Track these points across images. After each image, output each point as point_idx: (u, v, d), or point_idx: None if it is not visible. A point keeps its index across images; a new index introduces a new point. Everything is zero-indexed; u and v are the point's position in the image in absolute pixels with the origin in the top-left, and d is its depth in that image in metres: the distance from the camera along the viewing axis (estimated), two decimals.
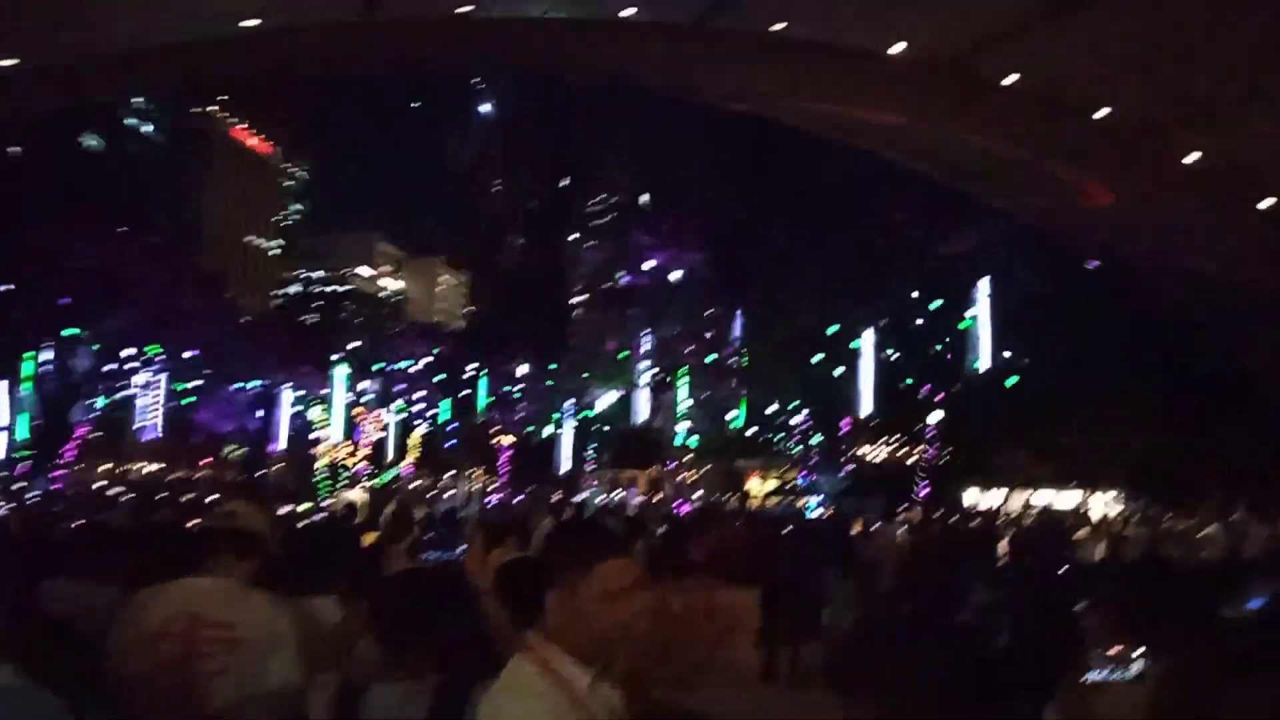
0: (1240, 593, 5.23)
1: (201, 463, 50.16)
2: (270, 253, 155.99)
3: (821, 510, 31.26)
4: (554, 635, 2.44)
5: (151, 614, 3.45)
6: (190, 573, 3.58)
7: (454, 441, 45.80)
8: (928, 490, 31.80)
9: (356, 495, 26.02)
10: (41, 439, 32.71)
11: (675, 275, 36.58)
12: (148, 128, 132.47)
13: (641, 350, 35.91)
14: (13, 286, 30.93)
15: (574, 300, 52.56)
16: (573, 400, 41.82)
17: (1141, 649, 2.64)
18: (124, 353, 35.03)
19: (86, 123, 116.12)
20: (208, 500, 14.56)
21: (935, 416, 32.04)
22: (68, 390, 33.81)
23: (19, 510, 13.52)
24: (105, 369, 34.76)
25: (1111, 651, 2.67)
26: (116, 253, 33.48)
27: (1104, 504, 32.86)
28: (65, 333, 33.40)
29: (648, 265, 36.92)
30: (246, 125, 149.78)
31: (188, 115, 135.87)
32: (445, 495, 42.74)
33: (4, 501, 16.60)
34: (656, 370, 35.98)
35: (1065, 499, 35.19)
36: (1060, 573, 6.10)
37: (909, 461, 36.21)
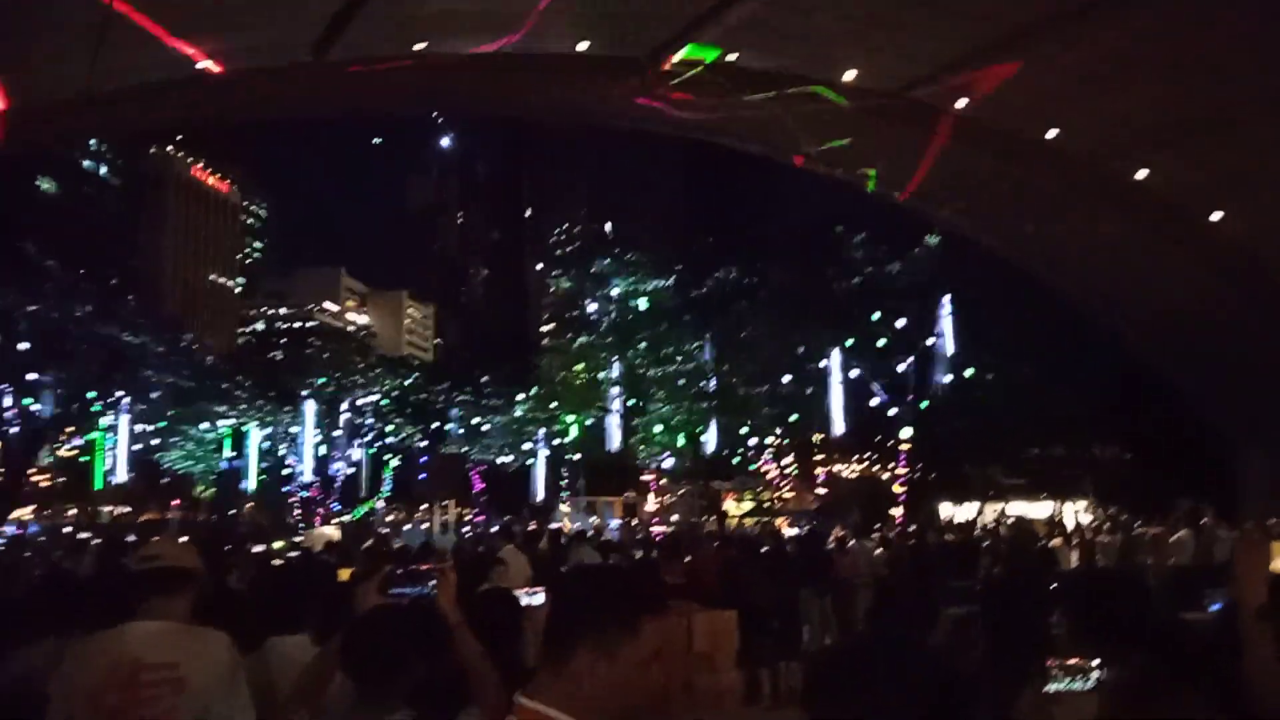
0: (1205, 596, 5.36)
1: (172, 504, 49.45)
2: (233, 291, 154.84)
3: (797, 530, 31.34)
4: (573, 702, 2.04)
5: (94, 664, 3.42)
6: (128, 618, 3.55)
7: (425, 475, 45.50)
8: (902, 506, 31.99)
9: (330, 531, 25.72)
10: (4, 485, 32.20)
11: (640, 302, 36.72)
12: (104, 170, 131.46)
13: (611, 377, 35.94)
14: None
15: (541, 329, 52.57)
16: (544, 429, 41.73)
17: (1097, 658, 2.69)
18: (88, 396, 34.59)
19: (42, 167, 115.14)
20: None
21: (906, 433, 32.29)
22: (30, 436, 33.32)
23: None
24: (69, 413, 34.30)
25: (1071, 661, 2.73)
26: (77, 296, 33.16)
27: (1076, 513, 33.24)
28: (26, 378, 32.99)
29: (613, 292, 37.06)
30: (204, 165, 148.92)
31: (145, 157, 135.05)
32: (420, 527, 42.43)
33: None
34: (627, 396, 36.02)
35: (1038, 509, 35.58)
36: (1032, 583, 6.19)
37: (883, 478, 36.43)
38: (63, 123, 20.61)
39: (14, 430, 33.08)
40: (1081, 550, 17.38)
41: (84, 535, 20.30)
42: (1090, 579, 3.97)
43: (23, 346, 31.51)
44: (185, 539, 4.03)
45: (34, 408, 33.62)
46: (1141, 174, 22.14)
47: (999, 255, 30.38)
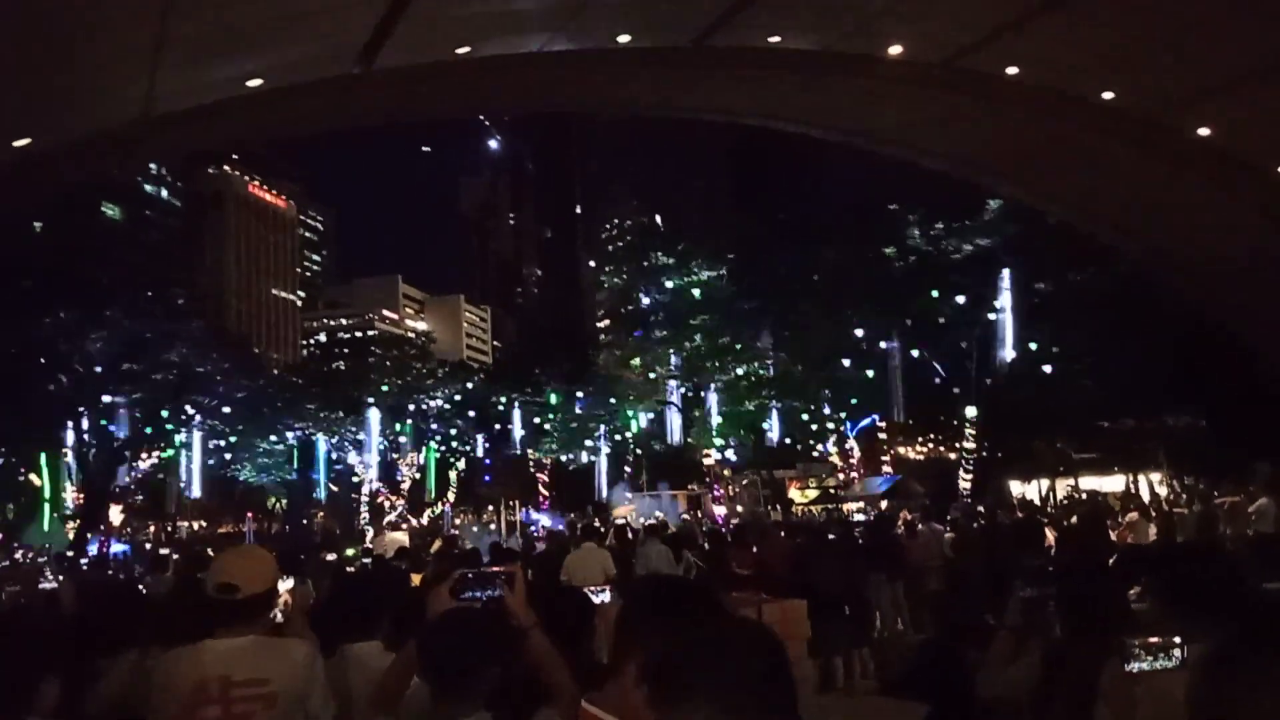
0: None
1: (247, 516, 50.64)
2: (294, 304, 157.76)
3: (864, 515, 31.06)
4: (630, 710, 2.02)
5: (185, 677, 3.49)
6: (209, 634, 3.61)
7: (489, 477, 45.98)
8: (970, 486, 31.52)
9: (400, 536, 26.11)
10: (87, 506, 33.19)
11: (695, 292, 36.60)
12: (165, 193, 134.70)
13: (669, 370, 35.92)
14: (46, 361, 31.52)
15: (597, 325, 52.69)
16: (605, 425, 41.88)
17: (1182, 635, 2.62)
18: (161, 415, 35.52)
19: (105, 194, 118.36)
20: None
21: (970, 411, 31.77)
22: (109, 456, 34.32)
23: (72, 580, 13.70)
24: (144, 433, 35.25)
25: (1154, 639, 2.65)
26: (145, 318, 34.05)
27: (1150, 485, 32.48)
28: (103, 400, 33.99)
29: (667, 284, 37.01)
30: (261, 182, 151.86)
31: (203, 178, 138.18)
32: (489, 529, 42.87)
33: (55, 573, 16.84)
34: (686, 388, 35.96)
35: (1110, 483, 34.81)
36: (1110, 560, 6.03)
37: (949, 458, 35.94)
38: (121, 148, 21.12)
39: (94, 453, 34.09)
40: (1159, 524, 16.96)
41: (164, 551, 20.83)
42: (1173, 553, 3.85)
43: (97, 370, 32.45)
44: (260, 553, 4.00)
45: (111, 429, 34.63)
46: (1204, 131, 21.48)
47: (1058, 223, 29.71)
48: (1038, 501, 32.27)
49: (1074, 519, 18.00)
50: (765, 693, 1.56)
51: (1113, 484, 35.08)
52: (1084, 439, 36.03)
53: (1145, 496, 29.29)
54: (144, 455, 35.98)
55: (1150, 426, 33.84)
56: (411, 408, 43.50)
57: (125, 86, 15.63)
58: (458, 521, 43.46)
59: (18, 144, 16.04)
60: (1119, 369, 30.92)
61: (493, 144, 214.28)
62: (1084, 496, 28.52)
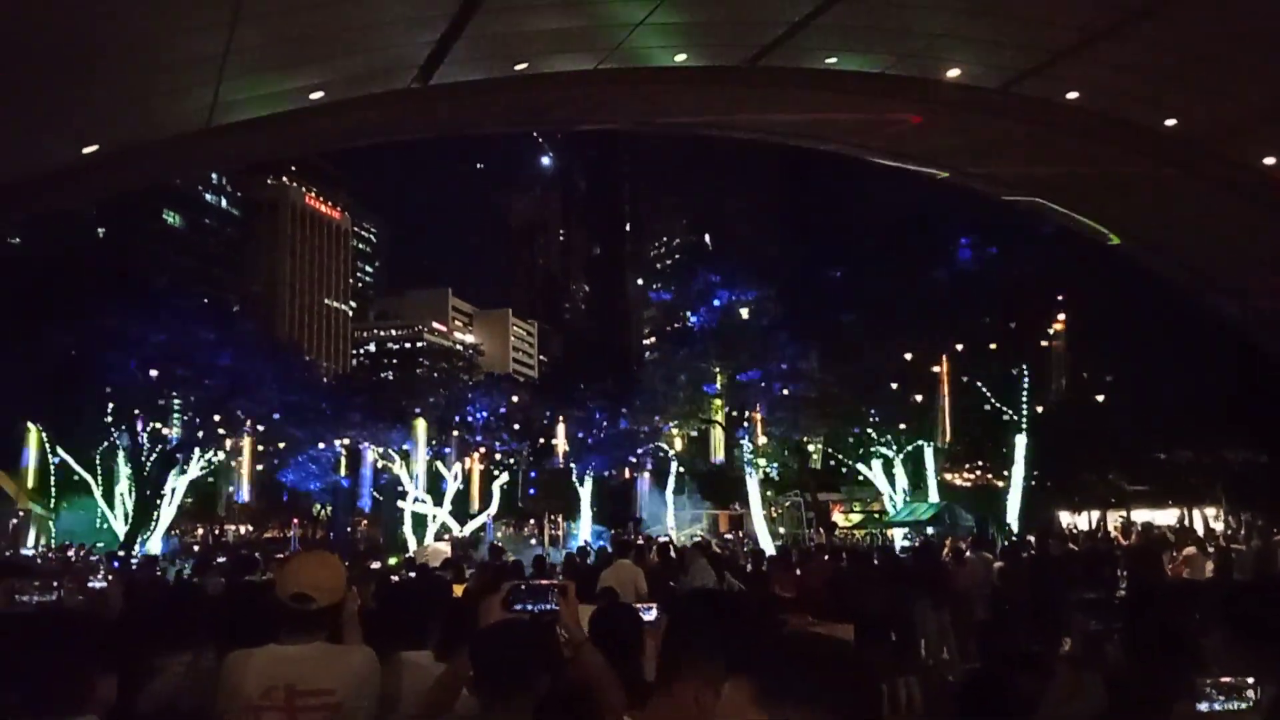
0: None
1: (292, 522, 51.31)
2: (346, 314, 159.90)
3: (909, 541, 30.66)
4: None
5: (250, 682, 3.51)
6: (269, 638, 3.64)
7: (534, 490, 46.08)
8: (1018, 515, 30.98)
9: (443, 547, 26.26)
10: (138, 507, 33.77)
11: (743, 312, 36.48)
12: (223, 201, 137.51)
13: (714, 388, 35.79)
14: (103, 362, 32.17)
15: (643, 342, 52.69)
16: (649, 442, 41.83)
17: (1254, 676, 2.53)
18: (213, 419, 36.06)
19: (166, 201, 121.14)
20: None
21: (1020, 440, 31.26)
22: (162, 458, 34.91)
23: (120, 579, 13.92)
24: (195, 436, 35.80)
25: (1226, 679, 2.57)
26: (201, 323, 34.67)
27: (1206, 520, 31.76)
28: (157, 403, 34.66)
29: (714, 303, 36.93)
30: (316, 193, 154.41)
31: (261, 187, 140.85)
32: (530, 542, 42.99)
33: (106, 572, 17.14)
34: (730, 408, 35.80)
35: (1163, 516, 34.10)
36: (1174, 596, 5.88)
37: (997, 486, 35.39)
38: (183, 157, 21.58)
39: (147, 454, 34.70)
40: (1216, 559, 16.54)
41: (218, 558, 21.11)
42: (1245, 590, 3.74)
43: (153, 373, 33.05)
44: (333, 562, 3.97)
45: (165, 432, 35.22)
46: (1269, 160, 21.05)
47: (1113, 249, 29.23)
48: (1089, 534, 31.69)
49: (1130, 552, 17.62)
50: (863, 699, 1.56)
51: (1165, 517, 34.37)
52: (1136, 471, 35.31)
53: (1199, 531, 28.65)
54: (195, 458, 36.54)
55: (1207, 460, 33.07)
56: (457, 419, 43.75)
57: (191, 96, 15.99)
58: (499, 534, 43.64)
59: (86, 150, 16.46)
60: (1174, 400, 30.29)
61: (544, 160, 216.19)
62: (1140, 528, 27.93)
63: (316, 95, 17.11)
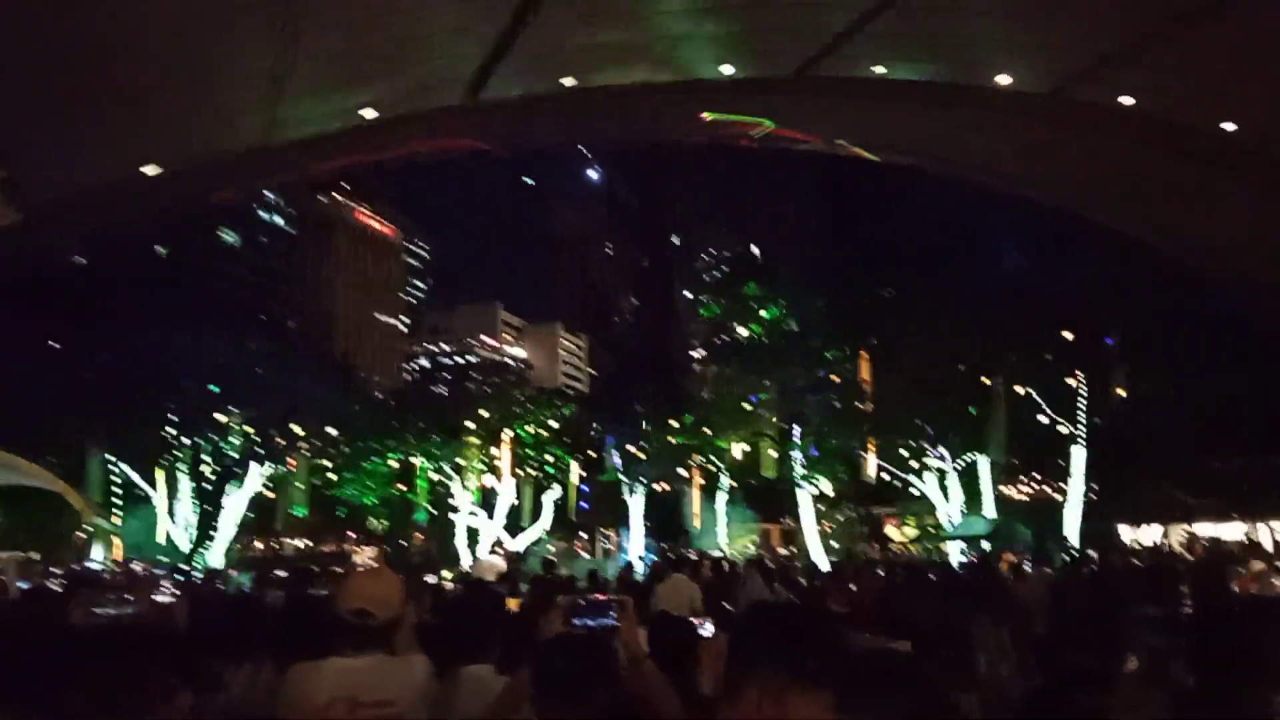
0: None
1: (349, 535, 51.91)
2: (398, 329, 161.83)
3: (965, 555, 30.23)
4: None
5: (312, 695, 3.58)
6: (329, 651, 3.70)
7: (586, 504, 46.16)
8: (1077, 529, 30.37)
9: (498, 561, 26.40)
10: (200, 521, 34.43)
11: (791, 323, 36.27)
12: (278, 218, 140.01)
13: (765, 401, 35.58)
14: (164, 377, 32.91)
15: (692, 354, 52.57)
16: (699, 455, 41.70)
17: None
18: (270, 433, 36.66)
19: (222, 218, 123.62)
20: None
21: (1077, 452, 30.66)
22: (222, 473, 35.55)
23: (185, 593, 14.18)
24: (253, 451, 36.42)
25: None
26: (258, 339, 35.34)
27: (1273, 533, 30.89)
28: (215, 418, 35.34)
29: (762, 314, 36.77)
30: (369, 209, 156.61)
31: (315, 203, 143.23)
32: (583, 556, 43.07)
33: (171, 585, 17.48)
34: (782, 421, 35.55)
35: (1228, 530, 33.23)
36: (1239, 610, 5.73)
37: (1055, 499, 34.74)
38: (240, 174, 22.07)
39: (208, 469, 35.39)
40: None
41: (278, 572, 21.43)
42: None
43: (212, 388, 33.74)
44: (391, 578, 4.02)
45: (223, 446, 35.89)
46: None
47: (1170, 256, 28.64)
48: (1150, 546, 31.00)
49: (1196, 566, 17.19)
50: (933, 711, 1.56)
51: (1231, 531, 33.48)
52: (1199, 483, 34.44)
53: (1268, 545, 27.88)
54: (254, 472, 37.15)
55: (1275, 472, 32.16)
56: (508, 433, 43.98)
57: (248, 115, 16.37)
58: (551, 548, 43.76)
59: (147, 170, 16.90)
60: (1237, 410, 29.54)
61: (591, 173, 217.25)
62: (1206, 543, 27.25)
63: (368, 113, 17.42)
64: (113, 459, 35.32)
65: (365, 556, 48.70)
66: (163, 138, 16.64)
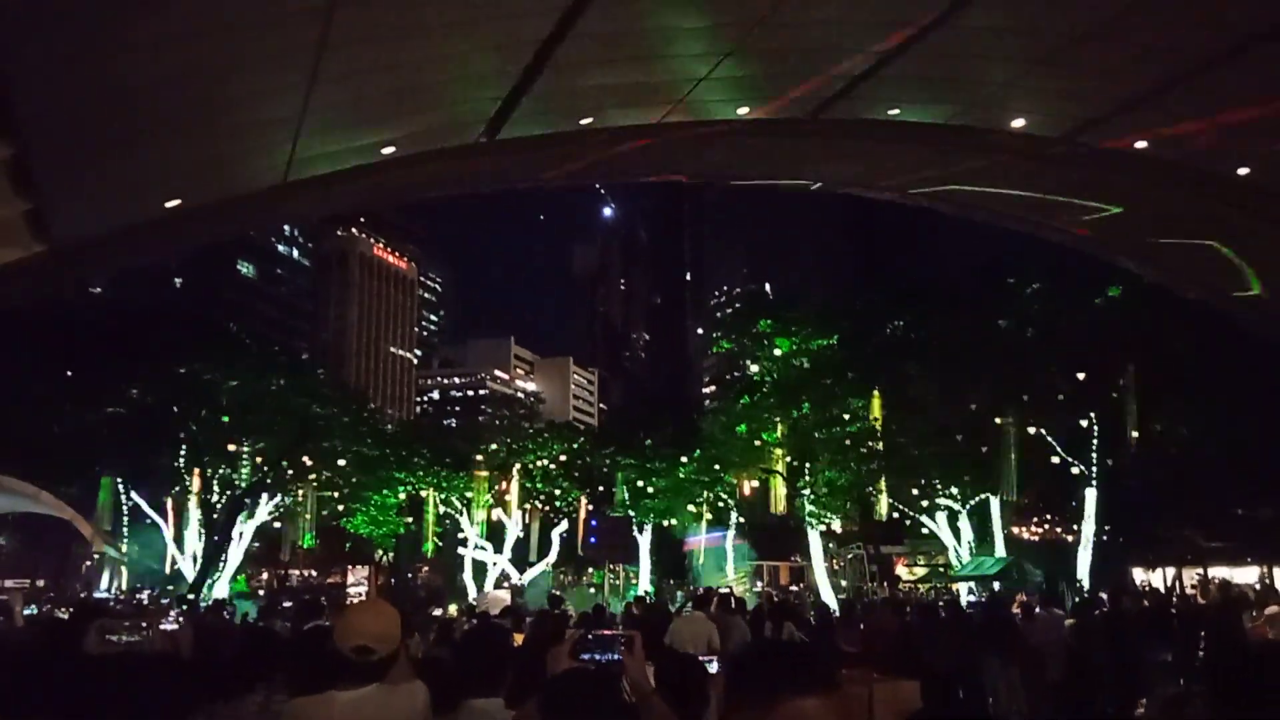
0: None
1: (355, 567, 51.81)
2: (411, 362, 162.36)
3: (975, 596, 29.99)
4: None
5: None
6: (333, 682, 3.73)
7: (594, 538, 46.02)
8: (1089, 570, 30.09)
9: (503, 595, 26.32)
10: (208, 551, 34.39)
11: (803, 361, 36.24)
12: (295, 253, 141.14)
13: (775, 438, 35.49)
14: (179, 408, 33.06)
15: (703, 390, 52.49)
16: (708, 491, 41.59)
17: None
18: (281, 464, 36.71)
19: (241, 252, 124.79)
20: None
21: (1090, 494, 30.46)
22: (231, 503, 35.59)
23: (190, 623, 14.17)
24: (263, 482, 36.46)
25: None
26: (272, 370, 35.50)
27: None
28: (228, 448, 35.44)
29: (775, 352, 36.73)
30: (384, 244, 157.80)
31: (331, 238, 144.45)
32: (590, 590, 42.84)
33: (177, 614, 17.47)
34: (791, 458, 35.44)
35: (1242, 575, 32.91)
36: (1256, 654, 5.67)
37: (1067, 540, 34.47)
38: (260, 211, 22.28)
39: (217, 499, 35.44)
40: None
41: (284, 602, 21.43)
42: None
43: (225, 419, 33.87)
44: (389, 611, 4.02)
45: (234, 478, 35.96)
46: None
47: (1187, 300, 28.55)
48: (1163, 589, 30.68)
49: (1211, 612, 16.99)
50: None
51: (1245, 575, 33.16)
52: (1214, 526, 34.16)
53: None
54: (263, 503, 37.18)
55: None
56: (518, 466, 43.97)
57: (269, 154, 16.56)
58: (556, 580, 43.61)
59: (169, 204, 17.10)
60: (1254, 454, 29.33)
61: (606, 210, 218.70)
62: (1218, 584, 26.96)
63: (388, 150, 17.60)
64: (124, 489, 35.45)
65: (359, 577, 48.63)
66: (186, 176, 16.86)
